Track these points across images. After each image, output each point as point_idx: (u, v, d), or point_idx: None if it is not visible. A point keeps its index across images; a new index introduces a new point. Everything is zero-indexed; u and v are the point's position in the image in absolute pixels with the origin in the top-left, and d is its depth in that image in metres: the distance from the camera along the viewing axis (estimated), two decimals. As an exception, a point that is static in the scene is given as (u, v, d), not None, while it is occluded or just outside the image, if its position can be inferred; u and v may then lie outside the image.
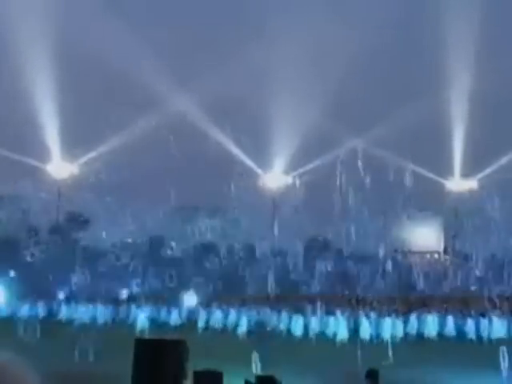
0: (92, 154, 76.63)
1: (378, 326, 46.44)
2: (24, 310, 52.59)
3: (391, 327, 46.33)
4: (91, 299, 57.35)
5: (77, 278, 60.17)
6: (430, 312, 49.44)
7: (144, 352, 16.83)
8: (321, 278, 66.09)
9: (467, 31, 71.83)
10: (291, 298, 55.32)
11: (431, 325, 47.82)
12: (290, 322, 48.11)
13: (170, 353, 16.78)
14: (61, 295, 60.22)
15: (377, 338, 44.39)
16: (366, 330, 45.80)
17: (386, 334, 44.90)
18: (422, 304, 51.37)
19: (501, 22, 77.58)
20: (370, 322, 46.73)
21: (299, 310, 49.73)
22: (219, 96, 73.57)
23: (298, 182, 78.31)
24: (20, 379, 2.08)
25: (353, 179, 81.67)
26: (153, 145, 79.41)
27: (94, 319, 49.69)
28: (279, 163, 78.43)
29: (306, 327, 46.87)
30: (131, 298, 58.33)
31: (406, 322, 47.33)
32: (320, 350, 31.58)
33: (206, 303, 54.62)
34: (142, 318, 49.43)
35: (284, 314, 49.91)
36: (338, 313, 48.82)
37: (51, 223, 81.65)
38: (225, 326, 47.68)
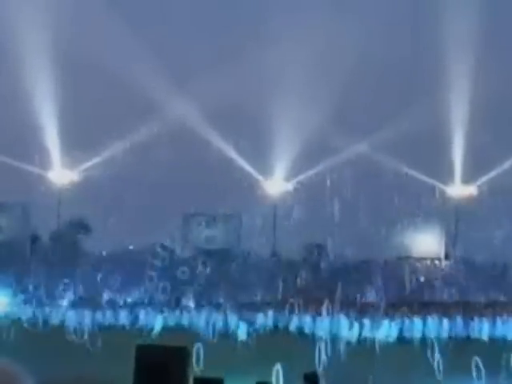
0: (93, 161, 76.66)
1: (376, 330, 47.17)
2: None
3: (388, 331, 47.02)
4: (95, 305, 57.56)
5: (79, 285, 60.10)
6: (430, 317, 49.59)
7: (146, 358, 16.84)
8: (321, 283, 66.06)
9: (469, 38, 71.92)
10: (293, 302, 55.39)
11: (434, 329, 48.19)
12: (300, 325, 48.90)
13: (171, 359, 16.85)
14: (64, 302, 60.11)
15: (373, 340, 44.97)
16: (364, 333, 46.67)
17: (381, 337, 45.72)
18: (423, 309, 51.39)
19: (504, 31, 77.62)
20: (366, 326, 47.64)
21: (303, 314, 50.48)
22: (219, 102, 73.63)
23: (298, 188, 78.31)
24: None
25: (353, 185, 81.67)
26: (153, 151, 79.42)
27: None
28: (280, 170, 78.41)
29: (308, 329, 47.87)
30: (136, 304, 58.21)
31: (403, 326, 47.90)
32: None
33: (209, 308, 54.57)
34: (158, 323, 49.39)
35: (294, 318, 50.49)
36: (341, 316, 49.68)
37: (52, 230, 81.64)
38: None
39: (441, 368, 28.04)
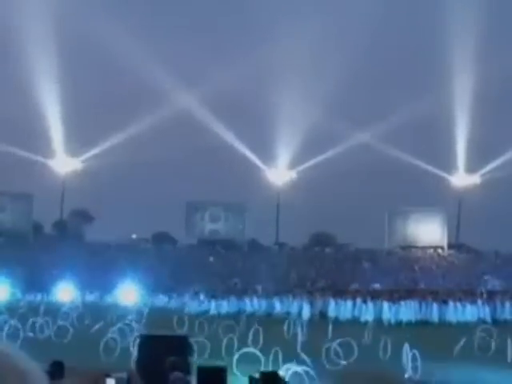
0: (96, 150, 76.74)
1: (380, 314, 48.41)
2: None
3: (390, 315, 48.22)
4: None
5: (82, 273, 60.09)
6: (433, 303, 50.11)
7: (148, 347, 16.79)
8: (324, 271, 66.26)
9: (471, 27, 71.81)
10: (298, 290, 55.76)
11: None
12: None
13: (173, 348, 16.80)
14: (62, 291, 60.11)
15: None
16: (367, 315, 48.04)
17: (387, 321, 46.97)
18: (426, 296, 51.68)
19: (507, 19, 77.50)
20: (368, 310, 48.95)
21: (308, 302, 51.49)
22: (223, 91, 73.70)
23: (302, 177, 78.40)
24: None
25: (356, 174, 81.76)
26: (156, 140, 79.58)
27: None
28: (283, 159, 78.50)
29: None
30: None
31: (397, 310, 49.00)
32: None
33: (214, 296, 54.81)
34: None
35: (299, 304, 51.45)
36: (342, 302, 50.78)
37: (56, 219, 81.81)
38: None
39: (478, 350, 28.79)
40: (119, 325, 30.28)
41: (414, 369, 22.60)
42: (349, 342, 26.40)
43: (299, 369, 18.81)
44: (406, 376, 22.10)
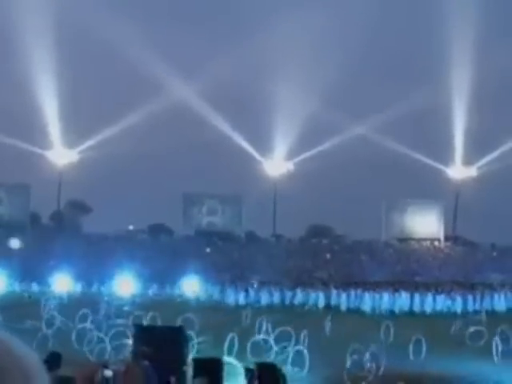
0: (92, 141, 76.66)
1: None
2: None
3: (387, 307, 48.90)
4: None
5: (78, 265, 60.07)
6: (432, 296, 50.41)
7: (144, 338, 16.81)
8: (321, 263, 66.32)
9: (470, 19, 71.76)
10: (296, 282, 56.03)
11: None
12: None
13: (168, 339, 16.81)
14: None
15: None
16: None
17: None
18: (422, 288, 51.92)
19: (505, 12, 77.46)
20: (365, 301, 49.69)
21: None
22: (220, 83, 73.63)
23: (299, 168, 78.37)
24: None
25: (354, 166, 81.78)
26: (153, 132, 79.51)
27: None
28: (280, 150, 78.45)
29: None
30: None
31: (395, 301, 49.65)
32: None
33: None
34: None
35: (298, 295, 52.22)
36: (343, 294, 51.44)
37: (53, 210, 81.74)
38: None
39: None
40: (115, 315, 30.32)
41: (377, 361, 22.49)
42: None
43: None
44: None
